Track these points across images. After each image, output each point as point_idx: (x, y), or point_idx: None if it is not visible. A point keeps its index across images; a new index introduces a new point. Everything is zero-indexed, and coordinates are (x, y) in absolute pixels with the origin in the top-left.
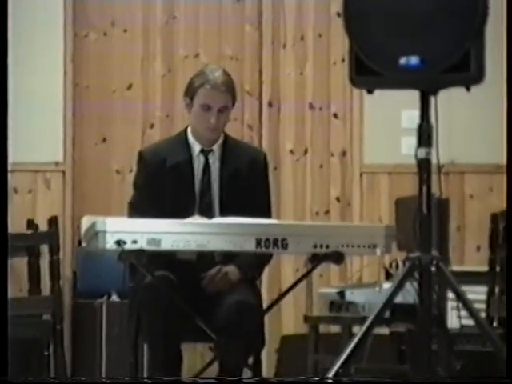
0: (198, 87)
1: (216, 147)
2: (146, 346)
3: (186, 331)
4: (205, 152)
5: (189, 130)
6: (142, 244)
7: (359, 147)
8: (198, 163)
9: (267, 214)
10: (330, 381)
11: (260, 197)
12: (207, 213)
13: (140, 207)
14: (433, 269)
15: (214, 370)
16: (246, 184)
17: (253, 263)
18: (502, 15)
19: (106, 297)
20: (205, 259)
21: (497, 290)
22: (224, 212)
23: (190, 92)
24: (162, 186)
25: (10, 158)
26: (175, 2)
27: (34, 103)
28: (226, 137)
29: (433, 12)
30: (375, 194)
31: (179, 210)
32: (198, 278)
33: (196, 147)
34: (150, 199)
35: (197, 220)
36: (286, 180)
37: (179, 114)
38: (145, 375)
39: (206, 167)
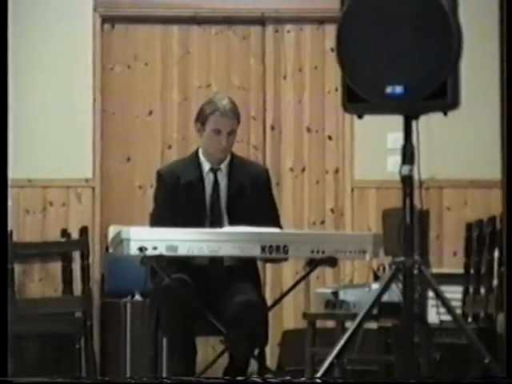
0: (209, 114)
1: (223, 166)
2: (164, 340)
3: (199, 326)
4: (214, 170)
5: (200, 151)
6: (162, 250)
7: (350, 165)
8: (208, 180)
9: (275, 222)
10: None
11: (266, 208)
12: (217, 223)
13: (159, 219)
14: (415, 271)
15: (224, 360)
16: (251, 197)
17: None
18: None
19: (130, 296)
20: (216, 263)
21: (471, 289)
22: (232, 222)
23: (202, 118)
24: (178, 200)
25: (46, 175)
26: (189, 39)
27: (67, 127)
28: (233, 156)
29: (414, 48)
30: (364, 206)
31: (193, 221)
32: (210, 279)
33: (206, 166)
34: (167, 212)
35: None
36: (286, 194)
37: (193, 137)
38: (163, 366)
39: (215, 183)
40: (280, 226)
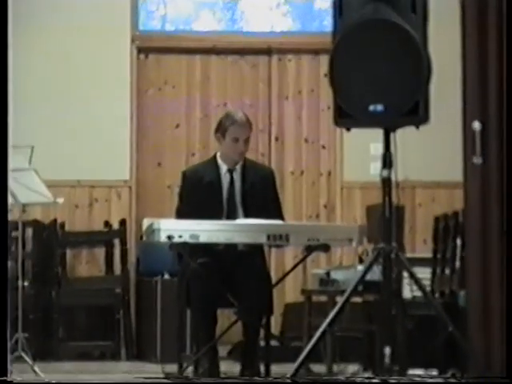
0: (229, 125)
1: (238, 167)
2: (188, 311)
3: (218, 301)
4: (230, 171)
5: (218, 155)
6: (186, 238)
7: (340, 169)
8: (225, 179)
9: (279, 212)
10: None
11: (273, 201)
12: (233, 215)
13: (183, 212)
14: (393, 256)
15: (236, 328)
16: (261, 192)
17: None
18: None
19: (160, 276)
20: (230, 248)
21: (438, 270)
22: (245, 214)
23: (222, 129)
24: (200, 196)
25: (92, 177)
26: (209, 66)
27: (109, 139)
28: (245, 159)
29: (392, 74)
30: (352, 203)
31: (212, 213)
32: (226, 261)
33: (223, 168)
34: (190, 206)
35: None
36: (287, 193)
37: (213, 146)
38: (187, 332)
39: (231, 182)
40: (282, 215)
